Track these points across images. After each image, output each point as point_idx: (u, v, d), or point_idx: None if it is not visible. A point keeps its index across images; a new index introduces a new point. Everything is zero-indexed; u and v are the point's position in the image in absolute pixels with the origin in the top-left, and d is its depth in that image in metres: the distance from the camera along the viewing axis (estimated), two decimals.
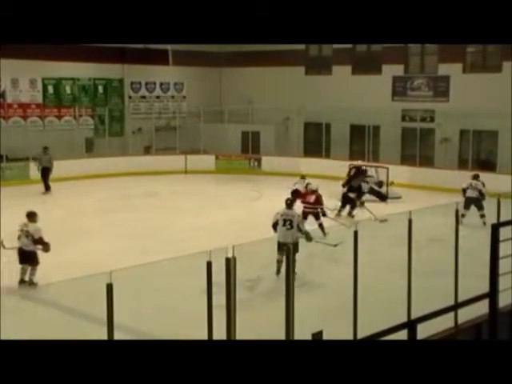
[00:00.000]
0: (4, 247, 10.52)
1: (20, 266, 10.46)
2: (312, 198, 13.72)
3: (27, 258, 10.56)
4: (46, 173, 19.65)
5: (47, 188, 19.51)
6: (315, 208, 13.50)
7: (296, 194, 13.09)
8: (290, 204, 10.97)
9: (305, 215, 13.00)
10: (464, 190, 15.83)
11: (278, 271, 10.33)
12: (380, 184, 18.50)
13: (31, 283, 10.35)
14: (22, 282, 10.40)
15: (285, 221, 10.72)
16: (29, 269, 10.52)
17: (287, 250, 5.99)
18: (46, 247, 10.56)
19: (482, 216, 14.87)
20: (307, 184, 15.08)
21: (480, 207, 15.17)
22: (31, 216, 11.02)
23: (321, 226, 12.98)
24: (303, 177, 16.18)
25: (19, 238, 10.74)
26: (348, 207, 15.96)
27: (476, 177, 16.32)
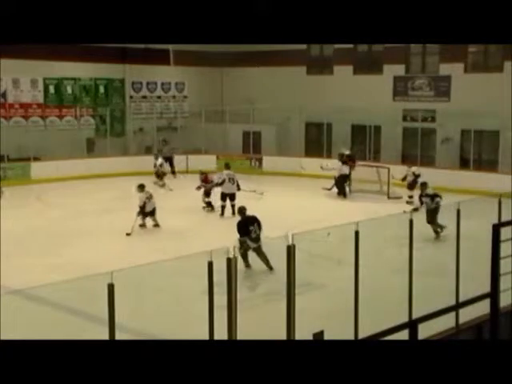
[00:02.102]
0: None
1: None
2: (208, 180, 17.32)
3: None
4: (170, 162, 22.39)
5: (174, 173, 22.46)
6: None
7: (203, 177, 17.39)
8: (228, 166, 17.51)
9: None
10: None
11: (222, 214, 16.21)
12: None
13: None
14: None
15: (229, 178, 16.61)
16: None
17: (288, 255, 6.00)
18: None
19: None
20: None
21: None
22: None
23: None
24: (202, 172, 18.09)
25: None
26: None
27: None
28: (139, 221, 14.67)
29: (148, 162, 23.58)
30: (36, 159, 21.86)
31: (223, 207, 16.33)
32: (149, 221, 14.92)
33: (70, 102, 24.28)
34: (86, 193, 19.44)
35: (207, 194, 16.96)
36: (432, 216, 13.59)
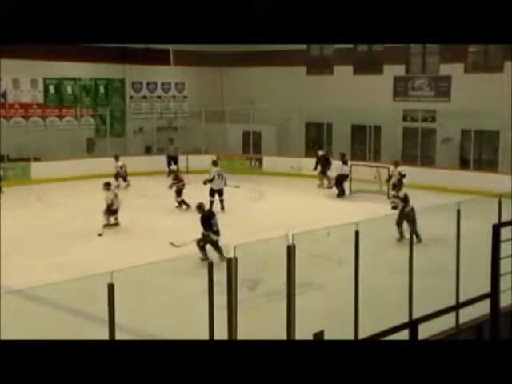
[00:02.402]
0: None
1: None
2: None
3: None
4: (175, 161, 22.33)
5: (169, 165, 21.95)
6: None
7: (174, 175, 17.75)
8: (216, 164, 18.24)
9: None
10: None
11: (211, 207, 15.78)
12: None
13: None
14: None
15: (219, 175, 17.27)
16: None
17: (288, 255, 6.00)
18: None
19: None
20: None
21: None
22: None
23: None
24: (173, 171, 18.78)
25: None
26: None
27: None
28: (106, 220, 14.75)
29: (148, 162, 23.64)
30: (36, 159, 21.86)
31: (212, 202, 16.66)
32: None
33: (70, 102, 24.28)
34: (86, 193, 19.41)
35: (179, 192, 17.16)
36: (401, 220, 13.19)
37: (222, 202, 16.90)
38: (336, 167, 20.00)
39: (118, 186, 19.66)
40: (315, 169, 21.29)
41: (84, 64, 23.88)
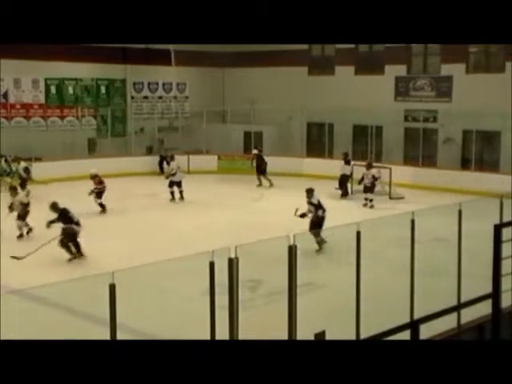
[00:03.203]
0: None
1: None
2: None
3: None
4: (167, 161, 21.96)
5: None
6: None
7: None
8: (174, 158, 19.93)
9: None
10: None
11: (173, 198, 18.52)
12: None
13: None
14: None
15: (178, 167, 19.00)
16: None
17: (289, 255, 6.00)
18: None
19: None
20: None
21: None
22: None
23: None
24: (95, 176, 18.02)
25: None
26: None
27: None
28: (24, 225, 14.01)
29: (149, 162, 23.65)
30: (37, 159, 21.85)
31: (172, 193, 18.53)
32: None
33: (72, 103, 24.29)
34: (87, 193, 19.40)
35: (99, 195, 17.04)
36: (315, 227, 12.66)
37: (181, 192, 18.60)
38: (339, 167, 19.96)
39: (28, 194, 16.71)
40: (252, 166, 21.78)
41: (85, 64, 23.89)
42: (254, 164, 21.71)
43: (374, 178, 18.19)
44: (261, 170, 21.48)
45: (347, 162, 19.85)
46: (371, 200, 17.86)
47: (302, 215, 12.95)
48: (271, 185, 21.04)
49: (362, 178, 18.32)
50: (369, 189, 18.09)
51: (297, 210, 12.90)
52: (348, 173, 19.66)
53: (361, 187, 19.16)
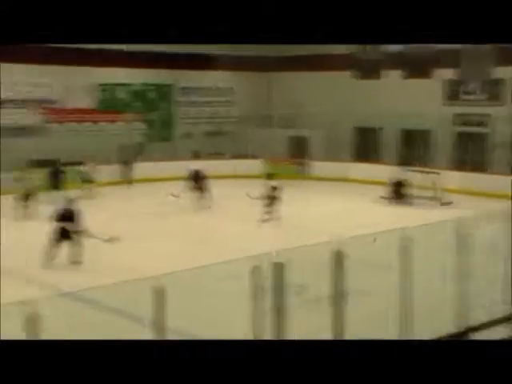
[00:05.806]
0: None
1: None
2: None
3: None
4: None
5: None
6: None
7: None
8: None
9: None
10: None
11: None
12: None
13: None
14: None
15: None
16: None
17: (336, 261, 5.93)
18: None
19: None
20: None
21: None
22: None
23: None
24: None
25: None
26: None
27: None
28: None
29: (198, 167, 23.78)
30: (88, 163, 22.22)
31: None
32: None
33: (122, 108, 24.66)
34: (134, 197, 19.71)
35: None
36: None
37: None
38: (392, 172, 19.70)
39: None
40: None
41: (135, 70, 24.26)
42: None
43: (274, 189, 16.18)
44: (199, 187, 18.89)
45: (402, 167, 19.57)
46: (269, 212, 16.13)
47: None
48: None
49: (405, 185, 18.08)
50: (268, 201, 16.21)
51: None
52: (402, 178, 19.35)
53: (415, 193, 18.91)
